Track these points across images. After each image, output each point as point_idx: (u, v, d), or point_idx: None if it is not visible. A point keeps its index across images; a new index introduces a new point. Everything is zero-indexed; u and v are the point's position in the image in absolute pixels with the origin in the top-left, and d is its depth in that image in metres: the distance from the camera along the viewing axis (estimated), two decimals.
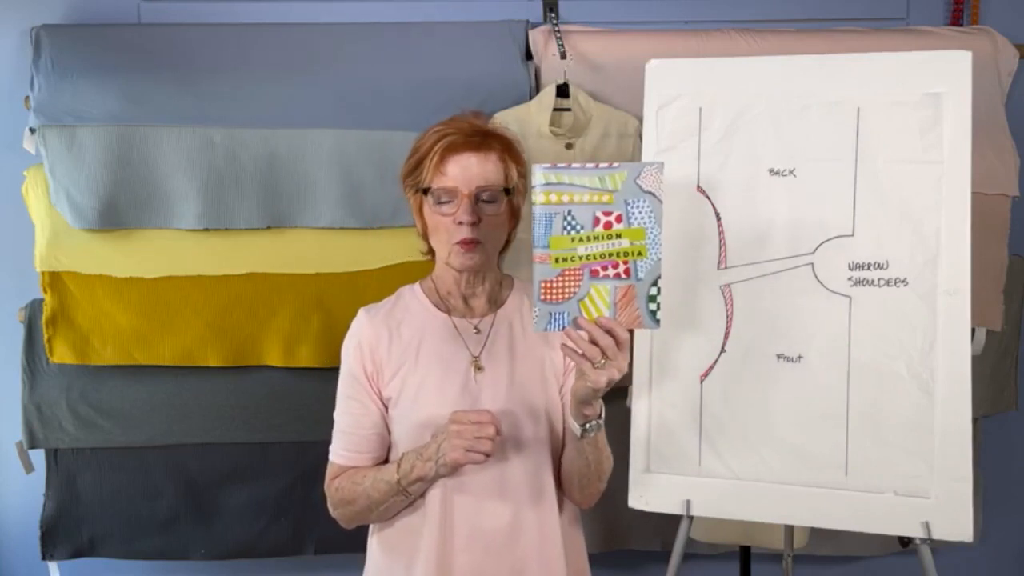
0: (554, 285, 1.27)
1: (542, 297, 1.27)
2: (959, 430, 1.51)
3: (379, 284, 2.12)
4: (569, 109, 2.11)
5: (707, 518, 1.81)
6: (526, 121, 2.09)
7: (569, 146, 2.10)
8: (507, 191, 1.41)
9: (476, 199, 1.38)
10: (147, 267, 2.13)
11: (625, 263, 1.28)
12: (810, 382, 1.58)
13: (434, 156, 1.39)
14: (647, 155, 1.65)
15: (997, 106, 2.15)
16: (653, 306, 1.29)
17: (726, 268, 1.61)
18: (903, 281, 1.55)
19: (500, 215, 1.41)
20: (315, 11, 2.26)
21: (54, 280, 2.12)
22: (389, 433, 1.46)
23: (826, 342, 1.57)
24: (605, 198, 1.26)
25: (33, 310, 2.18)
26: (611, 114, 2.12)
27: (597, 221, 1.27)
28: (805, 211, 1.58)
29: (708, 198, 1.62)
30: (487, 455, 1.30)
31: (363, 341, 1.46)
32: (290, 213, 2.13)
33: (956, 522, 1.51)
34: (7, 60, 2.23)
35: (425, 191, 1.41)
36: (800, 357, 1.58)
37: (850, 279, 1.57)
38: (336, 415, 1.48)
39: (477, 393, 1.42)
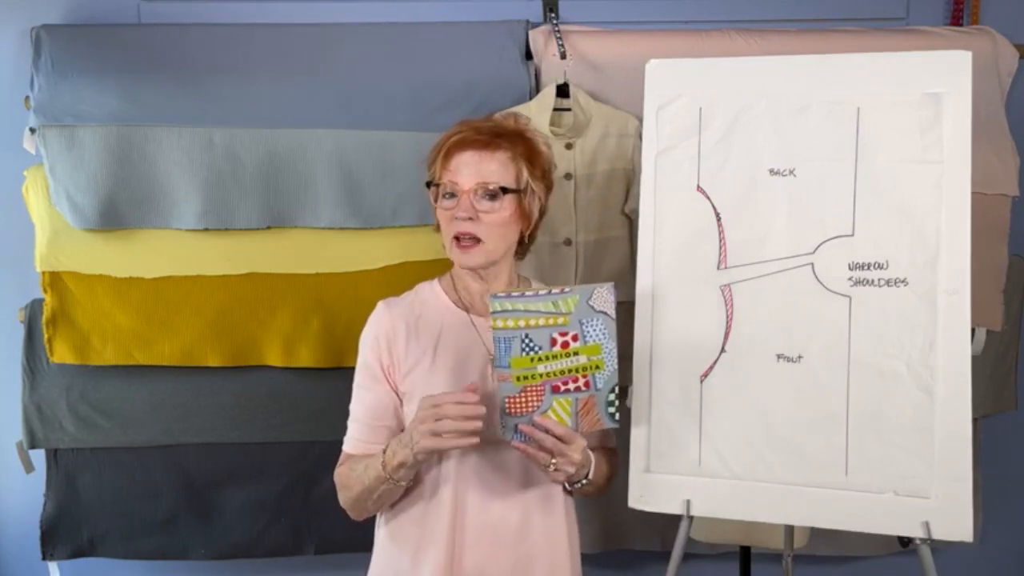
0: (517, 400, 1.35)
1: (507, 411, 1.35)
2: (959, 430, 1.51)
3: (379, 284, 2.12)
4: (569, 109, 2.10)
5: (707, 518, 1.81)
6: None
7: (569, 146, 2.09)
8: (507, 189, 1.42)
9: (478, 195, 1.40)
10: (147, 267, 2.12)
11: (584, 376, 1.36)
12: (810, 382, 1.57)
13: (441, 152, 1.44)
14: (647, 155, 1.65)
15: (997, 106, 2.15)
16: (612, 409, 1.39)
17: (726, 268, 1.61)
18: (903, 281, 1.55)
19: (502, 213, 1.43)
20: (315, 11, 2.25)
21: (54, 280, 2.11)
22: (401, 428, 1.47)
23: (826, 342, 1.57)
24: (560, 320, 1.33)
25: (33, 310, 2.17)
26: (611, 114, 2.12)
27: (554, 342, 1.34)
28: (805, 211, 1.58)
29: (708, 198, 1.62)
30: (472, 434, 1.30)
31: (380, 334, 1.48)
32: (290, 213, 2.13)
33: (956, 522, 1.51)
34: (7, 60, 2.23)
35: (429, 184, 1.46)
36: (800, 357, 1.58)
37: (850, 279, 1.56)
38: (351, 405, 1.51)
39: (493, 390, 1.43)
